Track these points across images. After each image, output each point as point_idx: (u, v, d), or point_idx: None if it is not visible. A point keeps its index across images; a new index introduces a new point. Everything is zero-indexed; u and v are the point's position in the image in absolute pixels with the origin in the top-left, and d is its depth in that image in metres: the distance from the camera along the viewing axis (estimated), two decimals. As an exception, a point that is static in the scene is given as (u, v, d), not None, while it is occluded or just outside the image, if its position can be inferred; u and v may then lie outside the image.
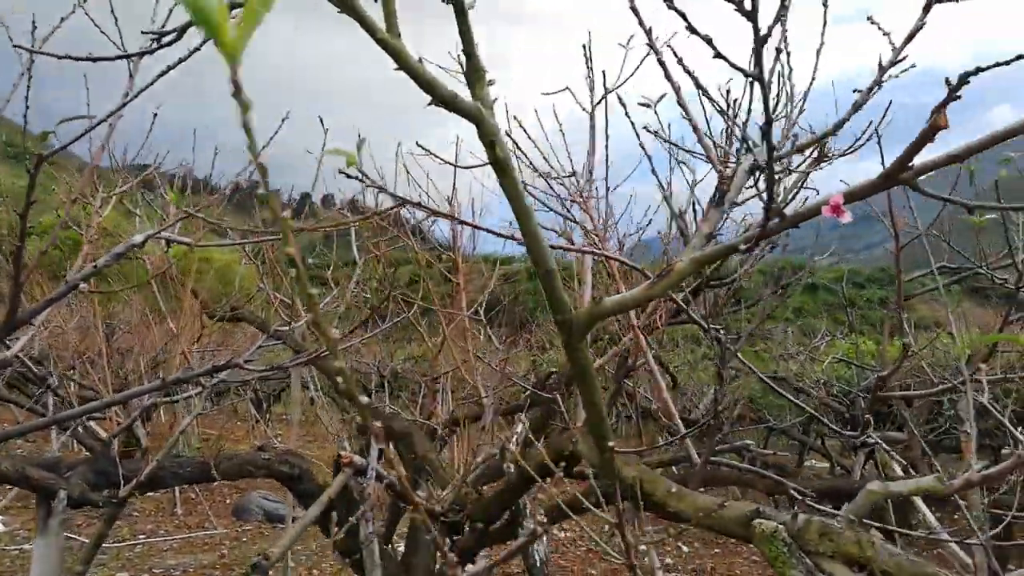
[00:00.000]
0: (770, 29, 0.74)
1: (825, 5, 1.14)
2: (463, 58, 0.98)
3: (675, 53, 1.23)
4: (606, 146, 2.40)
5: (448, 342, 3.74)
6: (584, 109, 2.65)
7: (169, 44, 1.04)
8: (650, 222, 2.70)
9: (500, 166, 0.96)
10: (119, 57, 1.38)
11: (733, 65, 0.81)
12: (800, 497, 1.74)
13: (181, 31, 1.02)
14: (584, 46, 2.75)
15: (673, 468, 3.15)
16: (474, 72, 0.96)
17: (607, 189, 2.39)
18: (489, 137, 0.93)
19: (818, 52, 1.33)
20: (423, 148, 2.76)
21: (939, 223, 3.13)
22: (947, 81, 0.71)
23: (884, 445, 3.12)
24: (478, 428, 3.06)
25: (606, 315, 1.05)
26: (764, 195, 0.77)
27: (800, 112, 1.46)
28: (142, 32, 1.14)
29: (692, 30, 0.96)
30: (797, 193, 1.94)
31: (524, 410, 2.84)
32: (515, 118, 2.52)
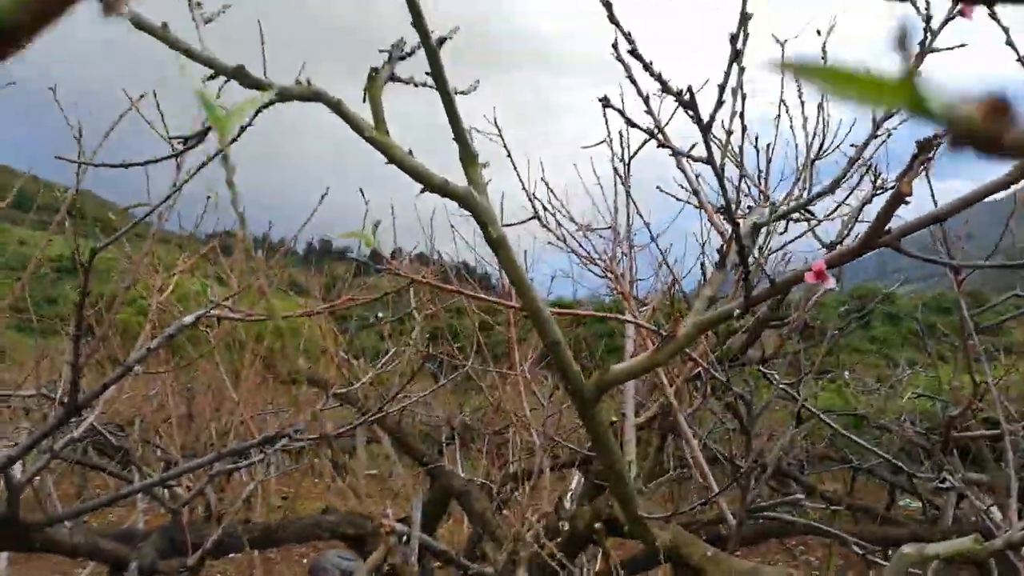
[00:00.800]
0: (712, 117, 0.75)
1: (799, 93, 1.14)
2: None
3: (653, 122, 1.24)
4: (629, 198, 2.42)
5: (503, 397, 3.76)
6: (620, 161, 2.68)
7: (193, 147, 1.12)
8: (690, 271, 2.69)
9: (495, 245, 0.99)
10: (165, 158, 1.48)
11: (680, 153, 0.83)
12: (860, 552, 1.66)
13: (202, 134, 1.10)
14: (617, 98, 2.79)
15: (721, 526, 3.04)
16: (466, 157, 0.99)
17: (630, 245, 2.40)
18: (482, 219, 0.97)
19: (777, 121, 1.33)
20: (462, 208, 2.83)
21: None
22: (917, 143, 0.71)
23: (963, 488, 2.94)
24: (534, 485, 3.04)
25: (613, 383, 1.05)
26: (741, 268, 0.77)
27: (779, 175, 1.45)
28: (171, 138, 1.23)
29: (681, 102, 0.97)
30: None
31: (577, 464, 2.81)
32: (543, 179, 2.57)
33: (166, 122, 1.85)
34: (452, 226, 3.92)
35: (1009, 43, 1.07)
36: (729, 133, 1.00)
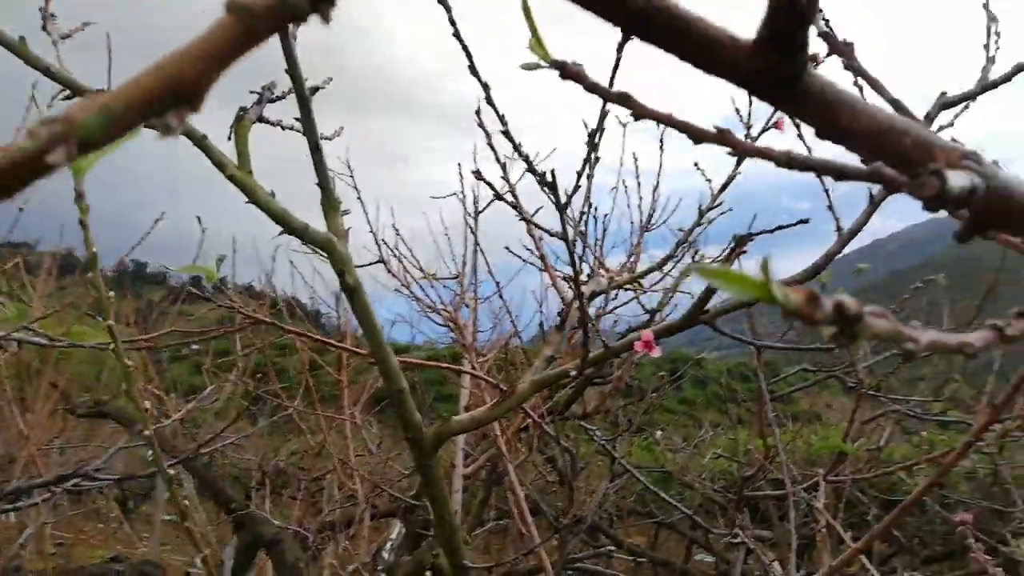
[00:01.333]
0: (569, 198, 0.84)
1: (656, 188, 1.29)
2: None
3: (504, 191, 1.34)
4: (477, 250, 2.52)
5: (327, 442, 3.65)
6: (468, 214, 2.77)
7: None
8: (527, 325, 2.81)
9: (350, 291, 1.01)
10: None
11: (538, 226, 0.91)
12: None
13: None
14: (470, 152, 2.91)
15: None
16: (328, 203, 1.01)
17: (475, 297, 2.49)
18: (339, 266, 0.98)
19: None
20: (309, 247, 2.78)
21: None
22: (734, 237, 0.83)
23: (751, 543, 3.23)
24: (353, 534, 2.96)
25: (453, 433, 1.09)
26: (581, 332, 0.86)
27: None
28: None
29: (543, 182, 1.05)
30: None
31: (399, 514, 2.79)
32: (394, 227, 2.61)
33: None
34: (291, 262, 3.82)
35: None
36: (582, 214, 1.10)
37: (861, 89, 0.71)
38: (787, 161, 0.24)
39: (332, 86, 1.03)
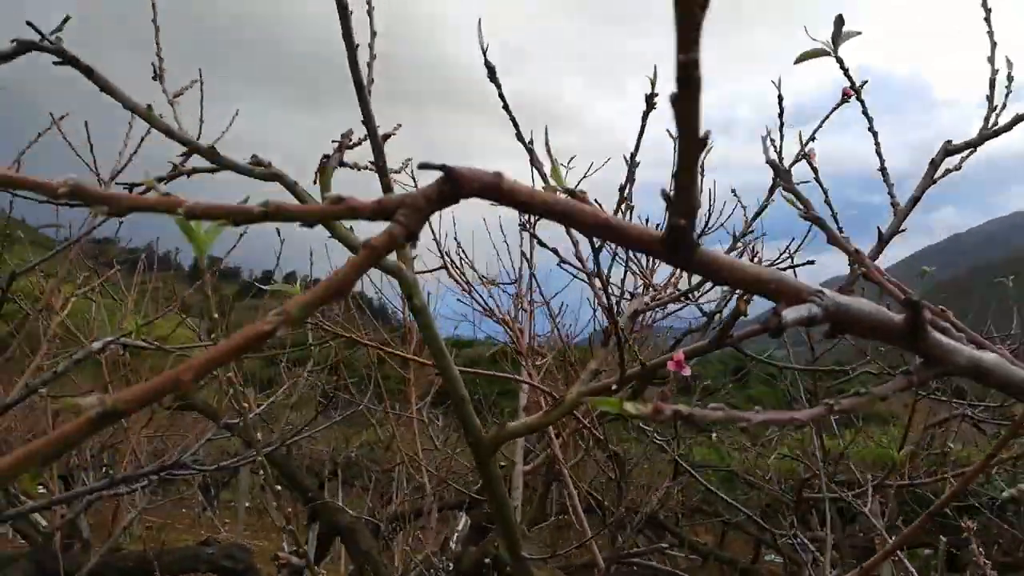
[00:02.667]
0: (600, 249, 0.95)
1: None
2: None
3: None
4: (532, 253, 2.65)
5: (396, 436, 3.83)
6: (522, 224, 2.90)
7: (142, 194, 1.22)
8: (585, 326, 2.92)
9: (416, 312, 1.14)
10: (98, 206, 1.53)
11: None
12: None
13: (148, 188, 1.20)
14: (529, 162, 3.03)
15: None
16: (398, 233, 1.15)
17: (531, 302, 2.62)
18: (407, 290, 1.12)
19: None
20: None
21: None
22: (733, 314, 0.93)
23: (808, 544, 3.25)
24: (420, 525, 3.13)
25: (509, 438, 1.21)
26: (617, 352, 0.97)
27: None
28: (116, 183, 1.32)
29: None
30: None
31: (465, 506, 2.94)
32: (456, 239, 2.75)
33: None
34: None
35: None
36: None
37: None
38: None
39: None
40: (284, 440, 2.84)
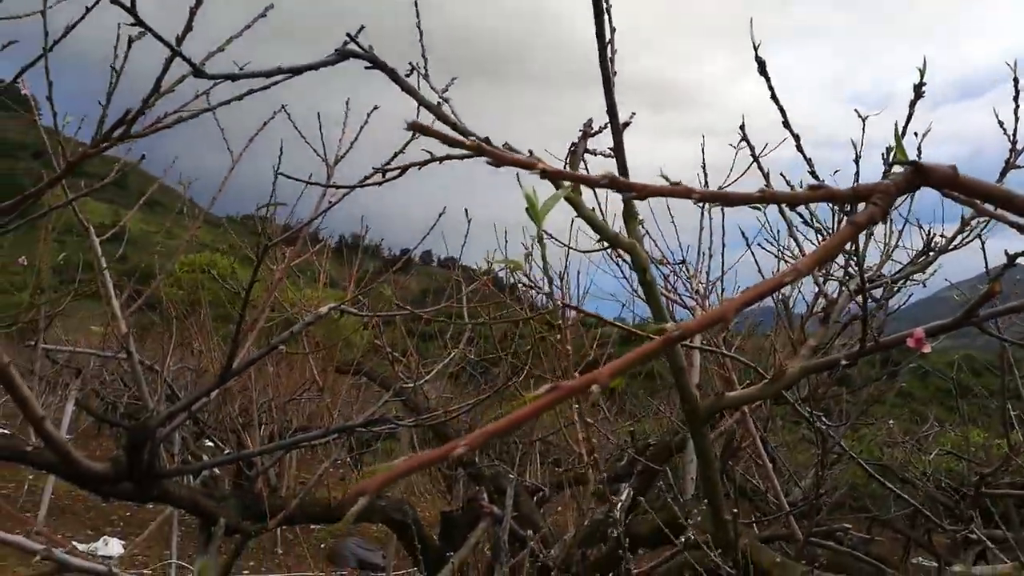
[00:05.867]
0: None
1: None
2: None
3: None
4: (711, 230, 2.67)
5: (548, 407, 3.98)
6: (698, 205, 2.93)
7: (393, 179, 1.39)
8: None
9: (647, 287, 1.24)
10: (369, 184, 1.70)
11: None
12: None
13: (403, 170, 1.37)
14: (701, 146, 3.07)
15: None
16: (628, 214, 1.25)
17: (706, 279, 2.66)
18: (641, 265, 1.22)
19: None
20: (548, 236, 3.09)
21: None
22: (1006, 253, 0.94)
23: (988, 542, 3.12)
24: (581, 493, 3.27)
25: (725, 407, 1.29)
26: (861, 327, 1.02)
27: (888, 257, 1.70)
28: (373, 168, 1.50)
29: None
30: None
31: (629, 478, 3.04)
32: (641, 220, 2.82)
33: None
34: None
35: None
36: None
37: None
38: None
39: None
40: (453, 413, 3.06)
